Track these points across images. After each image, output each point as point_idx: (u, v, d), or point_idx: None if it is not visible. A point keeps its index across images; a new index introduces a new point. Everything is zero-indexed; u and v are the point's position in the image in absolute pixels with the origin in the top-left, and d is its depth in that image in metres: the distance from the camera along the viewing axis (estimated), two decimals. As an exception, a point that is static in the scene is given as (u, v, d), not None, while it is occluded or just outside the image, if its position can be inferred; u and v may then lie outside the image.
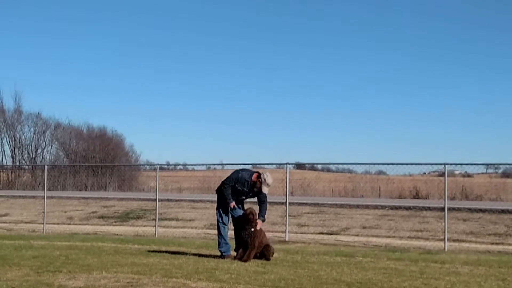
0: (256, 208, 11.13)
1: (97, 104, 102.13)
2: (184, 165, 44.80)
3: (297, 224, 20.17)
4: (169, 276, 8.91)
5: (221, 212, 11.36)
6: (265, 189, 10.92)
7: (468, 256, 12.53)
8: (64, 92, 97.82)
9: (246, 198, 11.31)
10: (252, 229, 10.86)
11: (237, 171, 11.17)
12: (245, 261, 10.70)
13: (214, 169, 42.04)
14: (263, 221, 11.02)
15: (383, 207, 24.36)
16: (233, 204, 11.06)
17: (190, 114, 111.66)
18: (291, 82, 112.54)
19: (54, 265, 10.03)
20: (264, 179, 10.84)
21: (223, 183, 11.14)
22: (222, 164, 27.92)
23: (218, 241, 11.42)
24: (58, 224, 22.21)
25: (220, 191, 11.34)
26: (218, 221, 11.45)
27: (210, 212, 22.69)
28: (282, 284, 8.24)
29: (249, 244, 10.84)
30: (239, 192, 11.05)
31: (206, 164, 36.42)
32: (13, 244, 13.93)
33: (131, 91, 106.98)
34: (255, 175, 10.98)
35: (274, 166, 22.25)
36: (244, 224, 10.96)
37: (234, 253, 11.25)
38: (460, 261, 11.53)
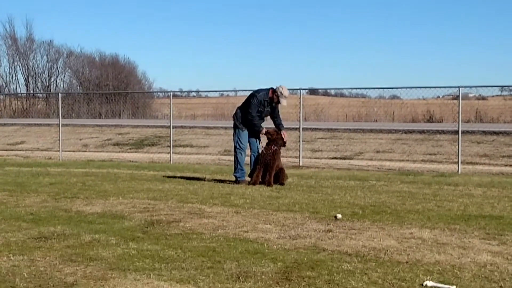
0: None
1: (108, 31, 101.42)
2: (198, 91, 44.57)
3: (310, 149, 20.24)
4: (184, 201, 9.02)
5: (239, 138, 11.42)
6: (283, 102, 11.20)
7: (482, 178, 12.56)
8: (75, 20, 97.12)
9: (265, 117, 11.51)
10: (275, 148, 11.00)
11: (253, 95, 11.22)
12: (270, 184, 10.82)
13: (228, 95, 42.03)
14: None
15: (396, 131, 24.30)
16: (264, 130, 11.22)
17: (202, 40, 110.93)
18: (303, 5, 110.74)
19: (71, 192, 10.19)
20: (281, 92, 11.07)
21: (250, 114, 11.15)
22: (236, 91, 27.95)
23: (235, 166, 11.52)
24: (73, 151, 22.46)
25: (238, 116, 11.39)
26: (235, 147, 11.52)
27: (224, 139, 22.81)
28: (297, 208, 8.33)
29: (269, 166, 10.94)
30: (260, 113, 11.25)
31: (220, 91, 36.48)
32: (30, 171, 14.13)
33: (142, 17, 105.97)
34: (270, 91, 11.18)
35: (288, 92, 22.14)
36: (267, 144, 11.18)
37: (248, 179, 11.35)
38: (474, 183, 11.57)
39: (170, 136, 18.51)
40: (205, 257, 5.46)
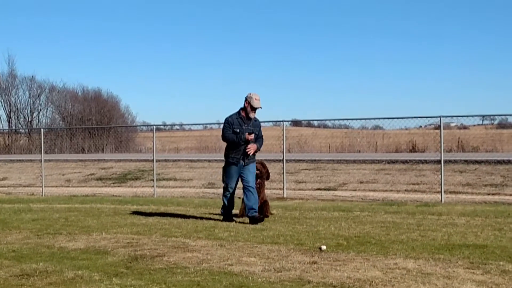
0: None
1: (91, 66, 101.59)
2: (181, 125, 44.69)
3: (294, 180, 20.25)
4: (168, 235, 8.97)
5: (226, 177, 10.63)
6: (257, 104, 10.41)
7: (465, 207, 12.62)
8: (58, 55, 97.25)
9: (249, 142, 10.42)
10: (260, 180, 11.02)
11: (225, 120, 10.55)
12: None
13: (211, 128, 41.97)
14: (259, 149, 10.57)
15: (380, 161, 24.44)
16: (247, 135, 10.32)
17: (185, 73, 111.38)
18: (286, 39, 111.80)
19: (54, 228, 10.09)
20: (250, 97, 10.39)
21: (223, 136, 10.56)
22: (219, 123, 27.80)
23: (223, 213, 10.88)
24: (56, 187, 22.28)
25: (226, 162, 10.62)
26: (223, 187, 10.77)
27: (208, 171, 22.81)
28: (281, 240, 8.31)
29: None
30: (239, 133, 10.36)
31: (203, 124, 36.30)
32: (12, 208, 13.99)
33: (124, 51, 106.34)
34: (240, 108, 10.56)
35: (271, 124, 22.21)
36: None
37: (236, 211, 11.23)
38: (457, 212, 11.62)
39: (153, 170, 18.46)
40: (190, 292, 5.41)
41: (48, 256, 7.42)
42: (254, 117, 10.63)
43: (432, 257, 6.90)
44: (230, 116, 10.56)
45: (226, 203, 10.77)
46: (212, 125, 33.49)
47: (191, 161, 27.50)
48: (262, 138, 10.84)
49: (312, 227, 9.60)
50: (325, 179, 20.70)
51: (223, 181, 10.80)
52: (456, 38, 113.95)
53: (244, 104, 10.51)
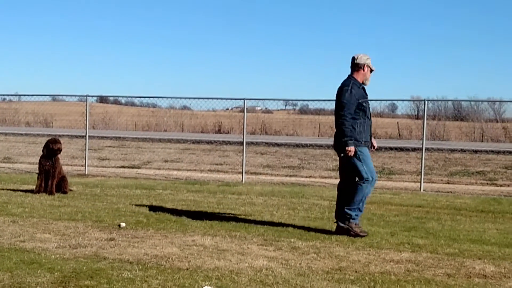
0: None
1: None
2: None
3: (97, 157, 19.80)
4: (-45, 210, 8.37)
5: (364, 165, 7.30)
6: (372, 66, 7.54)
7: (264, 188, 13.10)
8: None
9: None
10: (57, 157, 10.65)
11: (347, 87, 7.32)
12: (52, 193, 10.41)
13: (10, 100, 39.90)
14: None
15: (185, 141, 24.68)
16: (353, 149, 7.23)
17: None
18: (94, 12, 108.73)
19: None
20: (366, 58, 7.47)
21: (340, 115, 7.25)
22: (18, 95, 26.47)
23: (351, 201, 7.34)
24: None
25: (355, 144, 7.27)
26: (364, 178, 7.29)
27: (4, 145, 21.60)
28: (79, 217, 8.09)
29: (50, 175, 10.54)
30: (367, 110, 7.45)
31: (0, 95, 34.30)
32: None
33: None
34: (353, 74, 7.48)
35: (76, 98, 21.50)
36: (48, 155, 10.66)
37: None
38: (256, 192, 12.03)
39: None
40: (-25, 270, 5.09)
41: None
42: None
43: (229, 235, 7.08)
44: (352, 83, 7.37)
45: (365, 202, 7.47)
46: (11, 96, 31.76)
47: (-15, 133, 25.86)
48: None
49: (113, 204, 9.45)
50: (130, 157, 20.49)
51: (360, 173, 7.32)
52: (261, 27, 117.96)
53: (363, 69, 7.46)
